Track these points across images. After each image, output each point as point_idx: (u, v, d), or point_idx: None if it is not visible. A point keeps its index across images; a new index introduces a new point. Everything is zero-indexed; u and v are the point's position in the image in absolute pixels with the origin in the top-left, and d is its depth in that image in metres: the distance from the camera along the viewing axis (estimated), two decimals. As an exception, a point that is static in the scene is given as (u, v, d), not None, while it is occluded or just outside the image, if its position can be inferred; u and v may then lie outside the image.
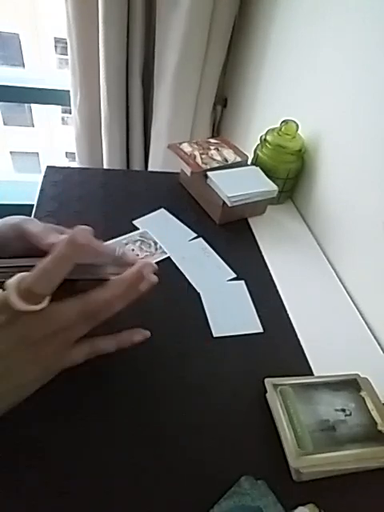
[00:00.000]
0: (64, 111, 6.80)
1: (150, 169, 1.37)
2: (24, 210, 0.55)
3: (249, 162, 0.80)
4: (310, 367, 0.48)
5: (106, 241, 0.41)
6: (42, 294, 0.29)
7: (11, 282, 0.29)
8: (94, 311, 0.33)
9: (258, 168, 0.75)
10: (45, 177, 0.75)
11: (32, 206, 0.67)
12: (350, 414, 0.40)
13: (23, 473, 0.34)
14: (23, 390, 0.32)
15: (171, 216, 0.70)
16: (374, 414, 0.40)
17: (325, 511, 0.34)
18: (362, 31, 0.62)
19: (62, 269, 0.30)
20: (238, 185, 0.68)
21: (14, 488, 0.33)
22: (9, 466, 0.34)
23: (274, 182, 0.72)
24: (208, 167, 0.72)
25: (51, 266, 0.29)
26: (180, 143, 0.78)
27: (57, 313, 0.31)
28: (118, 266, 0.37)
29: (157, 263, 0.39)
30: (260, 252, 0.66)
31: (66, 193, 0.71)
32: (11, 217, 0.41)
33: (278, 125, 0.74)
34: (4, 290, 0.29)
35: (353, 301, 0.60)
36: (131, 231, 0.64)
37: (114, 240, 0.62)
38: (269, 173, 0.73)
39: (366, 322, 0.56)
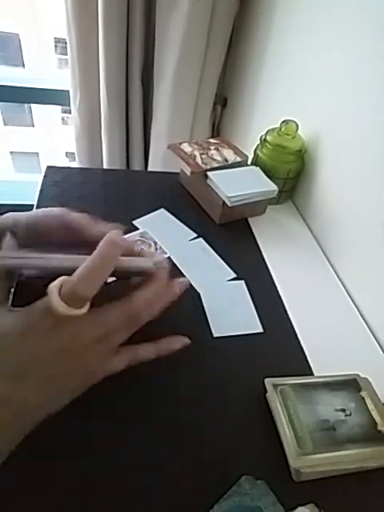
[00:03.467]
0: (64, 111, 6.80)
1: (149, 169, 1.37)
2: (24, 210, 0.55)
3: (249, 161, 0.80)
4: (310, 367, 0.48)
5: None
6: (86, 296, 0.28)
7: (54, 285, 0.28)
8: (136, 314, 0.32)
9: (257, 168, 0.75)
10: (45, 177, 0.75)
11: (32, 206, 0.67)
12: (350, 414, 0.40)
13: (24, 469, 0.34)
14: (64, 398, 0.31)
15: (171, 216, 0.70)
16: (374, 414, 0.40)
17: (325, 511, 0.34)
18: (362, 31, 0.62)
19: (105, 269, 0.29)
20: (237, 185, 0.68)
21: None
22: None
23: (273, 182, 0.72)
24: (208, 167, 0.72)
25: (94, 267, 0.28)
26: (180, 143, 0.78)
27: (101, 317, 0.30)
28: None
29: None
30: (260, 252, 0.66)
31: (66, 193, 0.71)
32: (51, 208, 0.41)
33: (277, 125, 0.74)
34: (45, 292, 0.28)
35: (353, 301, 0.60)
36: (131, 231, 0.64)
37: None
38: (269, 173, 0.73)
39: (366, 322, 0.56)
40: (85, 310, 0.29)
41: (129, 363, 0.34)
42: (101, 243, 0.29)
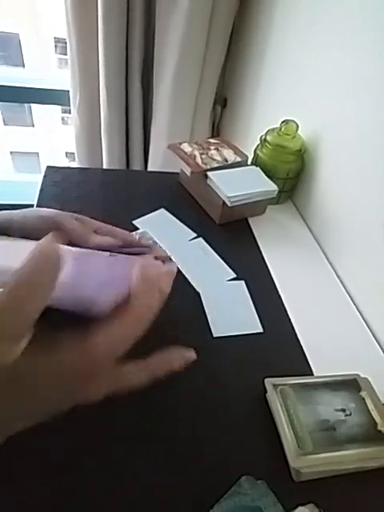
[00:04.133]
0: (64, 111, 6.80)
1: (149, 169, 1.37)
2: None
3: (249, 161, 0.80)
4: (310, 367, 0.48)
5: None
6: (12, 334, 0.21)
7: None
8: (97, 364, 0.24)
9: (257, 168, 0.75)
10: (45, 177, 0.75)
11: (32, 206, 0.67)
12: (350, 414, 0.40)
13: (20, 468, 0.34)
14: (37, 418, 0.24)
15: (171, 216, 0.70)
16: (374, 414, 0.40)
17: (325, 511, 0.34)
18: (362, 31, 0.62)
19: (33, 298, 0.21)
20: (237, 185, 0.68)
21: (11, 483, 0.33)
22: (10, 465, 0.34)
23: (273, 182, 0.72)
24: (208, 167, 0.72)
25: (15, 296, 0.20)
26: (180, 143, 0.78)
27: (56, 354, 0.23)
28: (131, 248, 0.36)
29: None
30: (260, 252, 0.66)
31: (66, 193, 0.71)
32: (39, 208, 0.39)
33: (277, 125, 0.74)
34: None
35: (353, 301, 0.60)
36: (131, 231, 0.64)
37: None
38: (269, 173, 0.73)
39: (366, 322, 0.56)
40: (18, 349, 0.21)
41: (110, 392, 0.27)
42: (27, 258, 0.21)
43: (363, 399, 0.42)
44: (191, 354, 0.30)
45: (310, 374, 0.47)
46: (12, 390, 0.22)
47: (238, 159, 0.77)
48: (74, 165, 1.61)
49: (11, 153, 7.63)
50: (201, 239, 0.66)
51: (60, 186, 0.73)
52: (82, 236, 0.36)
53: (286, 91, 0.89)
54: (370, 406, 0.41)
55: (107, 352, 0.24)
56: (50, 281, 0.21)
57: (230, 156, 0.77)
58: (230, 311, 0.54)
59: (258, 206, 0.73)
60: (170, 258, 0.41)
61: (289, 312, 0.55)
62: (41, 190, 0.71)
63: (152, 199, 0.73)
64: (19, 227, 0.35)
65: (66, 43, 1.19)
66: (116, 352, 0.25)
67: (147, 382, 0.28)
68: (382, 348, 0.53)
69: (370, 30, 0.59)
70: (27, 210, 0.40)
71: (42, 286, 0.21)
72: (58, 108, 6.14)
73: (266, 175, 0.73)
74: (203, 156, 0.75)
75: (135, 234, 0.41)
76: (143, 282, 0.26)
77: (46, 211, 0.39)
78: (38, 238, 0.29)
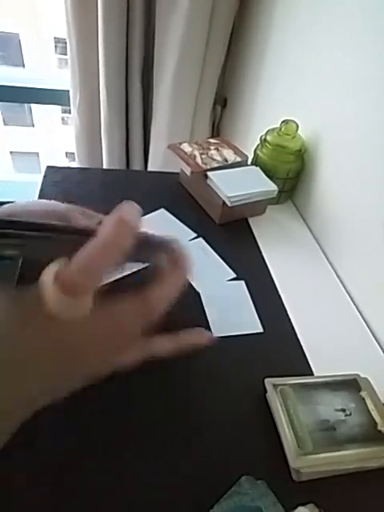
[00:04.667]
0: (64, 111, 6.79)
1: (149, 169, 1.37)
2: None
3: (249, 161, 0.80)
4: (310, 367, 0.48)
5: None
6: (86, 288, 0.24)
7: (47, 275, 0.23)
8: (150, 308, 0.28)
9: (257, 168, 0.75)
10: (45, 177, 0.75)
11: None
12: (350, 414, 0.40)
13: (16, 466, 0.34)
14: (58, 393, 0.27)
15: (171, 216, 0.70)
16: (374, 414, 0.40)
17: (325, 511, 0.34)
18: (361, 31, 0.62)
19: (110, 255, 0.23)
20: (237, 185, 0.68)
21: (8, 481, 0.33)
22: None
23: (273, 182, 0.72)
24: (208, 167, 0.72)
25: (96, 252, 0.23)
26: (180, 143, 0.78)
27: (108, 309, 0.26)
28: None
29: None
30: (260, 252, 0.66)
31: (66, 193, 0.71)
32: (45, 201, 0.40)
33: (277, 125, 0.73)
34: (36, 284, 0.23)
35: (353, 301, 0.60)
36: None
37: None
38: (269, 173, 0.73)
39: (366, 322, 0.56)
40: (88, 303, 0.24)
41: (141, 359, 0.29)
42: (106, 220, 0.23)
43: (363, 399, 0.42)
44: (208, 335, 0.33)
45: (310, 374, 0.47)
46: (63, 347, 0.25)
47: (238, 159, 0.77)
48: (74, 165, 1.61)
49: (11, 153, 7.63)
50: (201, 239, 0.66)
51: (60, 185, 0.73)
52: (77, 218, 0.37)
53: (286, 91, 0.89)
54: (370, 406, 0.41)
55: (161, 298, 0.28)
56: (123, 245, 0.23)
57: (230, 156, 0.77)
58: (230, 311, 0.54)
59: (258, 206, 0.73)
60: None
61: (289, 312, 0.55)
62: (41, 190, 0.71)
63: (152, 199, 0.73)
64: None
65: (65, 43, 1.19)
66: (169, 298, 0.28)
67: (173, 353, 0.30)
68: (382, 348, 0.53)
69: (370, 29, 0.59)
70: (32, 202, 0.40)
71: (116, 248, 0.23)
72: (58, 108, 6.14)
73: (266, 175, 0.73)
74: (203, 156, 0.75)
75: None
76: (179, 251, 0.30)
77: (52, 205, 0.39)
78: None
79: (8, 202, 0.42)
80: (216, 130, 1.41)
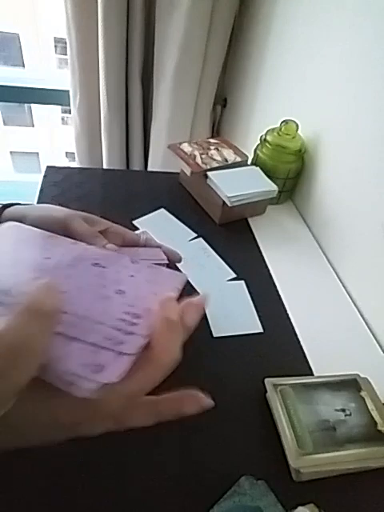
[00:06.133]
0: (64, 111, 6.79)
1: (149, 169, 1.37)
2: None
3: (249, 162, 0.80)
4: (310, 367, 0.48)
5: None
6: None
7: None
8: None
9: (257, 168, 0.75)
10: (45, 177, 0.75)
11: (32, 206, 0.67)
12: (350, 414, 0.40)
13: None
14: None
15: (171, 216, 0.70)
16: (374, 414, 0.40)
17: (325, 511, 0.34)
18: (361, 31, 0.62)
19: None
20: (237, 185, 0.68)
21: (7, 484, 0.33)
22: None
23: (274, 182, 0.72)
24: (208, 167, 0.72)
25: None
26: (180, 143, 0.78)
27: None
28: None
29: (156, 264, 0.38)
30: (260, 252, 0.66)
31: (66, 193, 0.71)
32: (53, 207, 0.40)
33: (277, 125, 0.73)
34: None
35: (353, 301, 0.60)
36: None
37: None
38: (269, 173, 0.73)
39: (366, 322, 0.56)
40: (2, 412, 0.19)
41: (151, 423, 0.26)
42: (16, 312, 0.19)
43: (363, 399, 0.42)
44: (208, 401, 0.26)
45: (310, 373, 0.47)
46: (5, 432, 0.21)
47: (238, 159, 0.77)
48: (74, 165, 1.61)
49: (11, 153, 7.63)
50: (201, 239, 0.66)
51: (60, 185, 0.73)
52: (89, 241, 0.36)
53: (286, 91, 0.89)
54: (370, 406, 0.41)
55: (118, 407, 0.23)
56: (40, 344, 0.19)
57: (230, 156, 0.77)
58: (230, 311, 0.54)
59: (258, 206, 0.73)
60: (180, 259, 0.41)
61: (289, 312, 0.55)
62: (41, 190, 0.71)
63: (152, 199, 0.73)
64: (32, 224, 0.36)
65: (65, 43, 1.19)
66: (127, 405, 0.23)
67: (154, 424, 0.26)
68: (382, 348, 0.53)
69: (371, 30, 0.59)
70: (41, 207, 0.40)
71: (31, 350, 0.18)
72: (58, 108, 6.14)
73: (266, 175, 0.73)
74: (203, 156, 0.75)
75: (142, 234, 0.41)
76: (166, 323, 0.24)
77: (58, 211, 0.40)
78: None
79: (9, 204, 0.42)
80: (216, 130, 1.41)
